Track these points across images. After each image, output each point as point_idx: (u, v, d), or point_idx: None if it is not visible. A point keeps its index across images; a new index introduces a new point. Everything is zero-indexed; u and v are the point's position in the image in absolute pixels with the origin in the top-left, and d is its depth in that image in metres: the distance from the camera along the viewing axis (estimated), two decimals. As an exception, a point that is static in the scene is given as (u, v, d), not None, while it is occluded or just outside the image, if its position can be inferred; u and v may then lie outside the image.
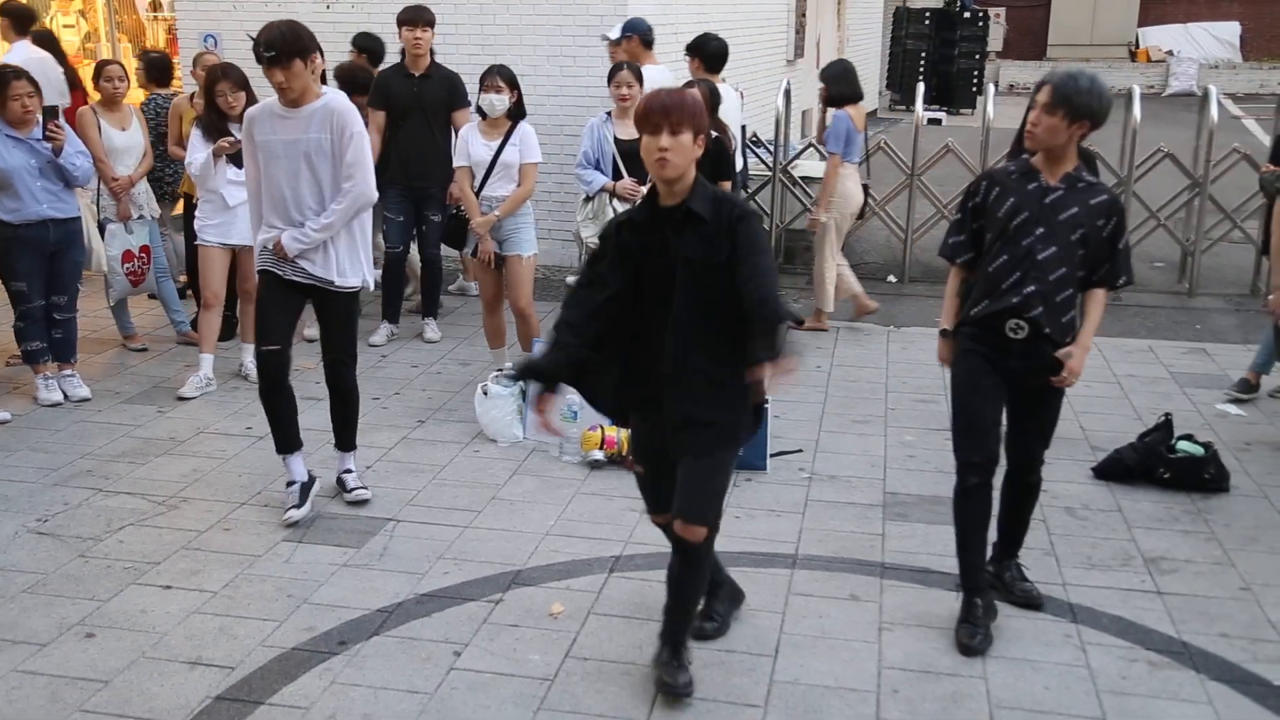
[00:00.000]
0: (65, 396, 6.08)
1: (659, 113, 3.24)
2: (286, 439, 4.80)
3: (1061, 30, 27.67)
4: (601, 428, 5.27)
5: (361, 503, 4.82)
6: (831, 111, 7.46)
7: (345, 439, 4.93)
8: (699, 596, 3.61)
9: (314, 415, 5.93)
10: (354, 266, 4.70)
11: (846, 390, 6.34)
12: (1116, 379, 6.57)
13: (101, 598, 4.07)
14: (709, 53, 7.14)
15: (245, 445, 5.49)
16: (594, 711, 3.43)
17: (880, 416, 5.91)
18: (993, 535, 4.02)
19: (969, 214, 3.86)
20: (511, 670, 3.63)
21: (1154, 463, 5.06)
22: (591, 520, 4.69)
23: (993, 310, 3.73)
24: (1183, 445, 5.10)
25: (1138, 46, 26.90)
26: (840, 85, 7.36)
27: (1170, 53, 25.92)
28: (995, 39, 24.02)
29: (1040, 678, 3.61)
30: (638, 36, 7.20)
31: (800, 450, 5.47)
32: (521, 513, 4.77)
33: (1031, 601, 4.03)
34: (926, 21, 21.09)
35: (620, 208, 6.18)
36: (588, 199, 6.42)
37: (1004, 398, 3.83)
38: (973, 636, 3.77)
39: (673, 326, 3.33)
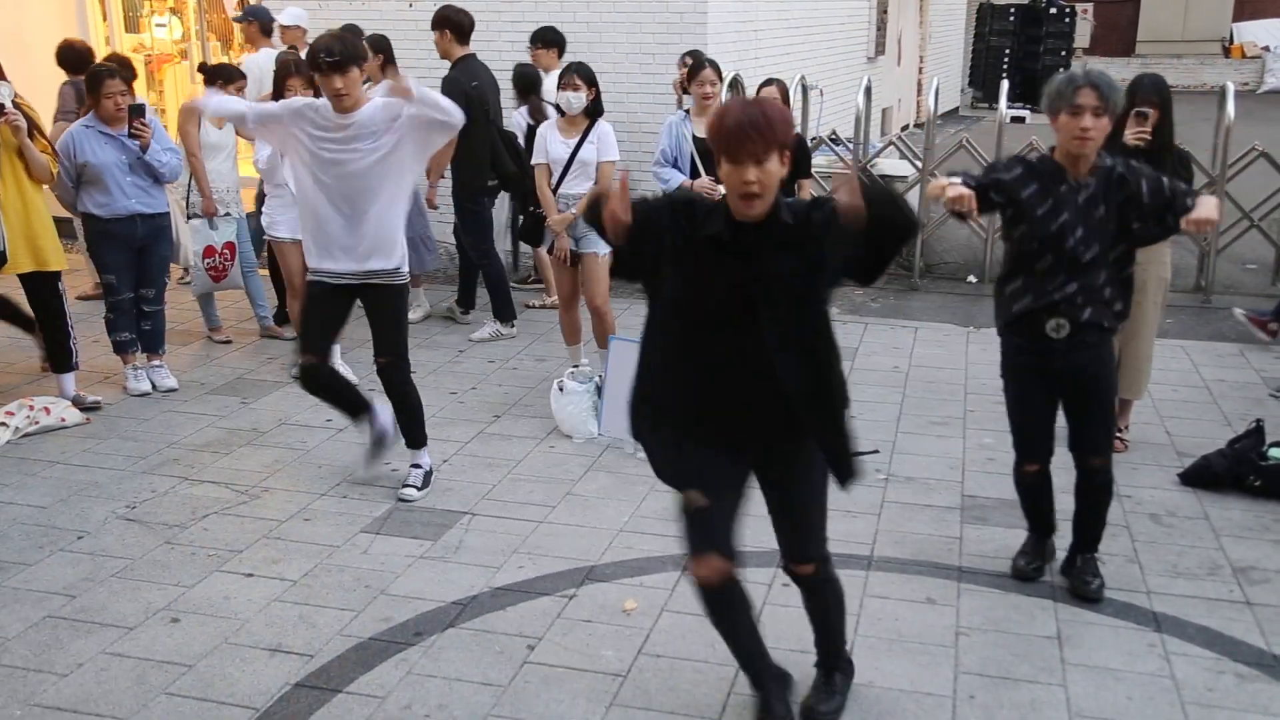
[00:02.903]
0: (153, 387, 6.24)
1: (752, 133, 2.75)
2: (354, 408, 5.00)
3: (1151, 26, 26.99)
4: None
5: (404, 500, 4.89)
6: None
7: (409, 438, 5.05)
8: (844, 615, 3.40)
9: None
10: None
11: (925, 391, 6.26)
12: (1205, 383, 6.40)
13: (186, 584, 4.17)
14: (555, 39, 7.85)
15: (325, 437, 5.58)
16: (666, 708, 3.42)
17: (959, 418, 5.82)
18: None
19: (995, 182, 3.83)
20: (584, 665, 3.64)
21: (1244, 470, 4.92)
22: (665, 517, 4.68)
23: (1038, 306, 3.80)
24: (1275, 452, 4.95)
25: (1232, 42, 26.16)
26: None
27: (1266, 48, 25.14)
28: (1082, 35, 23.54)
29: (1123, 688, 3.53)
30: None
31: (877, 451, 5.41)
32: (596, 509, 4.78)
33: (1084, 594, 4.02)
34: (1011, 18, 20.76)
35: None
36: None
37: (1050, 405, 4.00)
38: (1029, 563, 4.20)
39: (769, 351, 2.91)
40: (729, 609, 3.10)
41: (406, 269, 4.84)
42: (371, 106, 4.56)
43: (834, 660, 3.43)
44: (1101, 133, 3.66)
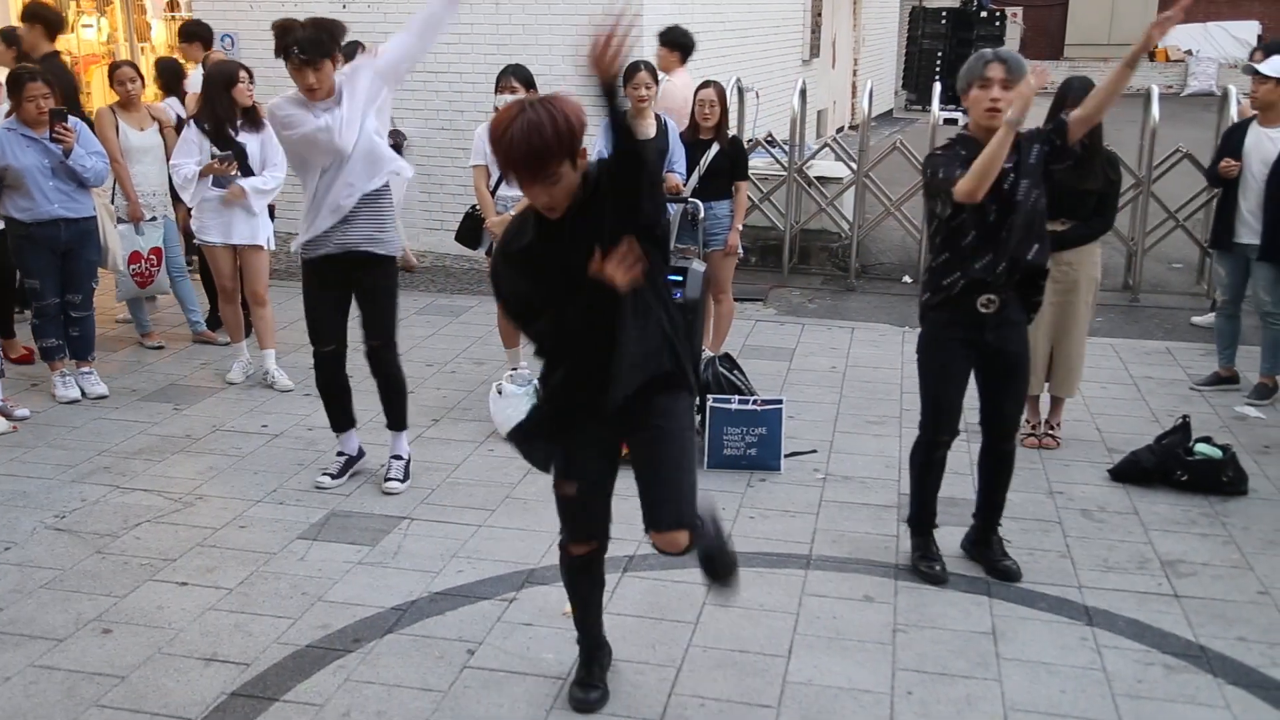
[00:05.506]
0: (83, 394, 6.12)
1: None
2: (345, 419, 5.11)
3: (1079, 30, 27.54)
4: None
5: (390, 494, 4.92)
6: None
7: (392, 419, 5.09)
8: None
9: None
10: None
11: (861, 391, 6.32)
12: (1134, 381, 6.53)
13: (118, 594, 4.09)
14: (198, 32, 8.03)
15: (261, 443, 5.51)
16: (607, 710, 3.42)
17: (895, 417, 5.89)
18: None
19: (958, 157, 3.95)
20: (525, 669, 3.63)
21: (1172, 465, 5.03)
22: (605, 520, 4.68)
23: (968, 281, 3.92)
24: (1201, 448, 5.07)
25: (1157, 46, 26.75)
26: None
27: (1189, 52, 25.77)
28: (1012, 38, 23.92)
29: (1056, 681, 3.60)
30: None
31: (814, 451, 5.46)
32: (535, 512, 4.76)
33: (1009, 576, 4.18)
34: (943, 21, 21.07)
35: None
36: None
37: (967, 379, 4.14)
38: (940, 565, 4.25)
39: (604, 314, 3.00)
40: (586, 577, 3.46)
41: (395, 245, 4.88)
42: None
43: None
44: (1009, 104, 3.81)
